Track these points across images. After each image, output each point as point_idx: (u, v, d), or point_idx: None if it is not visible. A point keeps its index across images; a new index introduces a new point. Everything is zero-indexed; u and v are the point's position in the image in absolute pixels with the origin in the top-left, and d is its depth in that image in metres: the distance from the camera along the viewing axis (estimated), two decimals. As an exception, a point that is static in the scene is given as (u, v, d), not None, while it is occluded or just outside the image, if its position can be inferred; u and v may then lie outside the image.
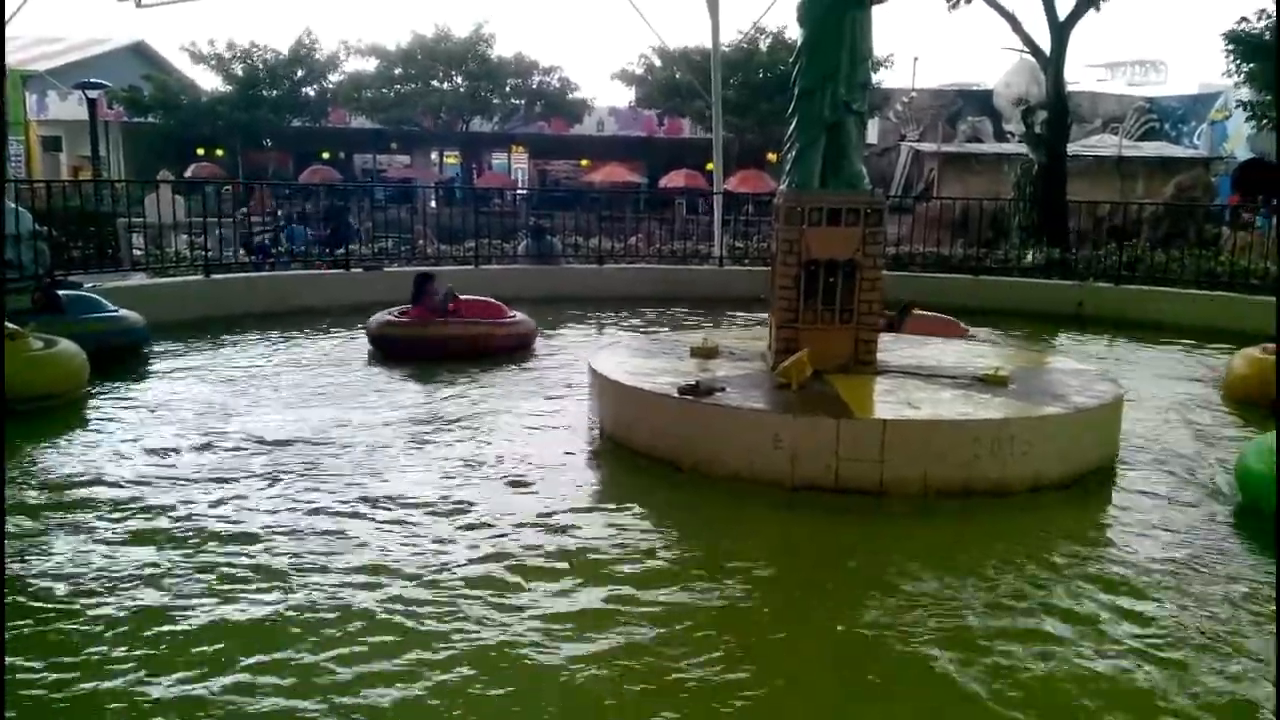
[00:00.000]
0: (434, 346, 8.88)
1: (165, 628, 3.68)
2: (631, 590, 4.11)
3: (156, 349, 9.17)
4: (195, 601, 3.90)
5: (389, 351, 9.02)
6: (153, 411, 6.97)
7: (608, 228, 16.39)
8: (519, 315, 9.66)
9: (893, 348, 7.33)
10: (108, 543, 4.46)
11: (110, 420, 6.71)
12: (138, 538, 4.53)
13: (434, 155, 39.37)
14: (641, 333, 10.86)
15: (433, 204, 23.23)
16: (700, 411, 5.71)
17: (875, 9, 6.52)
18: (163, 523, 4.75)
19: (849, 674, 3.59)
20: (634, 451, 6.04)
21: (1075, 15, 16.76)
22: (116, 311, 8.75)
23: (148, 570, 4.18)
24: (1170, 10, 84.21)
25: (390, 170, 39.18)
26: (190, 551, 4.38)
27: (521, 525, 4.82)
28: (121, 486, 5.26)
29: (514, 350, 9.32)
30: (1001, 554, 4.57)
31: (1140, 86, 37.09)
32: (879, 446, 5.26)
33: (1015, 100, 31.76)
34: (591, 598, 4.04)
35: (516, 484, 5.48)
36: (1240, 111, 23.13)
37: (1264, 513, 5.04)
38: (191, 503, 5.02)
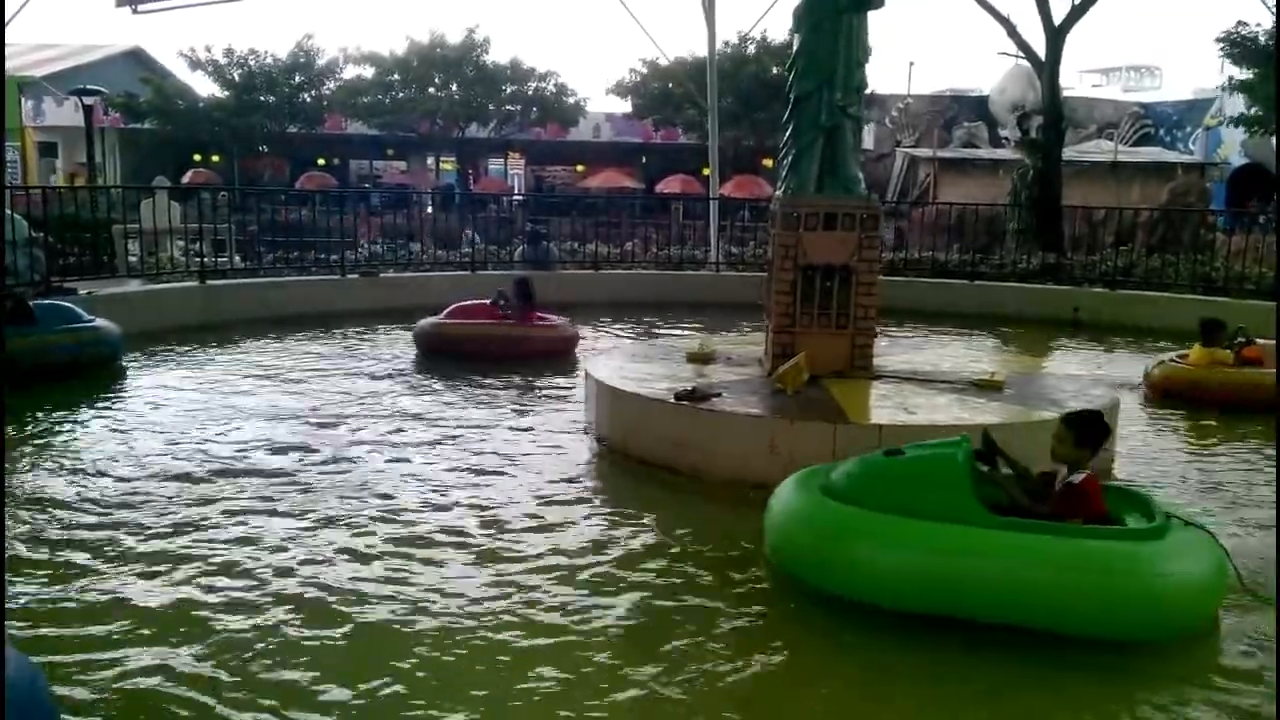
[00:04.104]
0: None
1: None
2: (620, 593, 4.12)
3: (140, 357, 9.06)
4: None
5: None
6: (76, 438, 6.39)
7: (604, 233, 16.39)
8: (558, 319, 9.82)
9: (889, 353, 7.34)
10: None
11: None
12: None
13: (430, 161, 39.38)
14: (638, 338, 10.86)
15: (429, 209, 23.22)
16: (696, 417, 5.71)
17: (870, 14, 6.54)
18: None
19: (841, 677, 3.59)
20: (630, 457, 6.04)
21: (1071, 20, 16.80)
22: (92, 321, 8.43)
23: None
24: (1165, 16, 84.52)
25: (386, 176, 39.19)
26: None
27: (516, 528, 4.83)
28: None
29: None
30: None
31: (1135, 92, 37.19)
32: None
33: (1010, 105, 31.82)
34: (580, 600, 4.04)
35: (510, 489, 5.47)
36: (1231, 118, 23.24)
37: (803, 581, 4.14)
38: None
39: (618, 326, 11.85)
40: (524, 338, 9.24)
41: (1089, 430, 4.02)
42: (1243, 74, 20.79)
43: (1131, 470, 6.12)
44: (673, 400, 5.85)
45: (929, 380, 6.51)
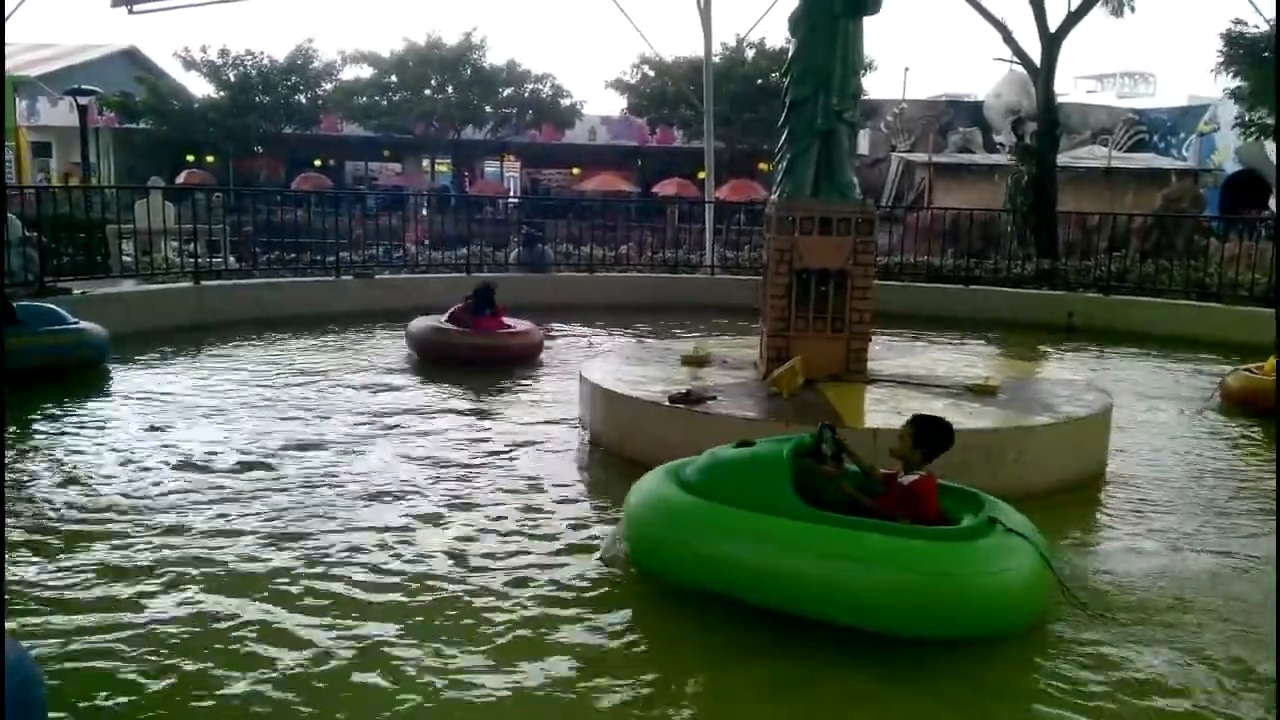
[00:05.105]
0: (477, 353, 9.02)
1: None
2: (612, 595, 4.12)
3: (132, 358, 8.95)
4: None
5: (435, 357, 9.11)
6: (54, 441, 6.25)
7: (599, 236, 16.39)
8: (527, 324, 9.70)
9: (884, 357, 7.35)
10: None
11: None
12: None
13: (426, 163, 39.39)
14: (633, 341, 10.85)
15: (424, 211, 23.21)
16: (691, 419, 5.70)
17: (867, 20, 6.56)
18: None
19: (834, 684, 3.59)
20: (625, 459, 6.03)
21: (1066, 27, 16.84)
22: (77, 324, 8.29)
23: None
24: (1160, 22, 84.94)
25: (382, 177, 39.20)
26: None
27: (509, 529, 4.83)
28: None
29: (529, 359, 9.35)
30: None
31: (1129, 98, 37.35)
32: (870, 455, 5.25)
33: (1005, 111, 31.93)
34: (573, 603, 4.04)
35: (505, 491, 5.46)
36: (1231, 104, 23.25)
37: (655, 571, 4.20)
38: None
39: (613, 329, 11.83)
40: (485, 345, 9.08)
41: (926, 434, 4.07)
42: (1237, 81, 20.90)
43: (1142, 477, 6.07)
44: (667, 403, 5.85)
45: (924, 384, 6.52)
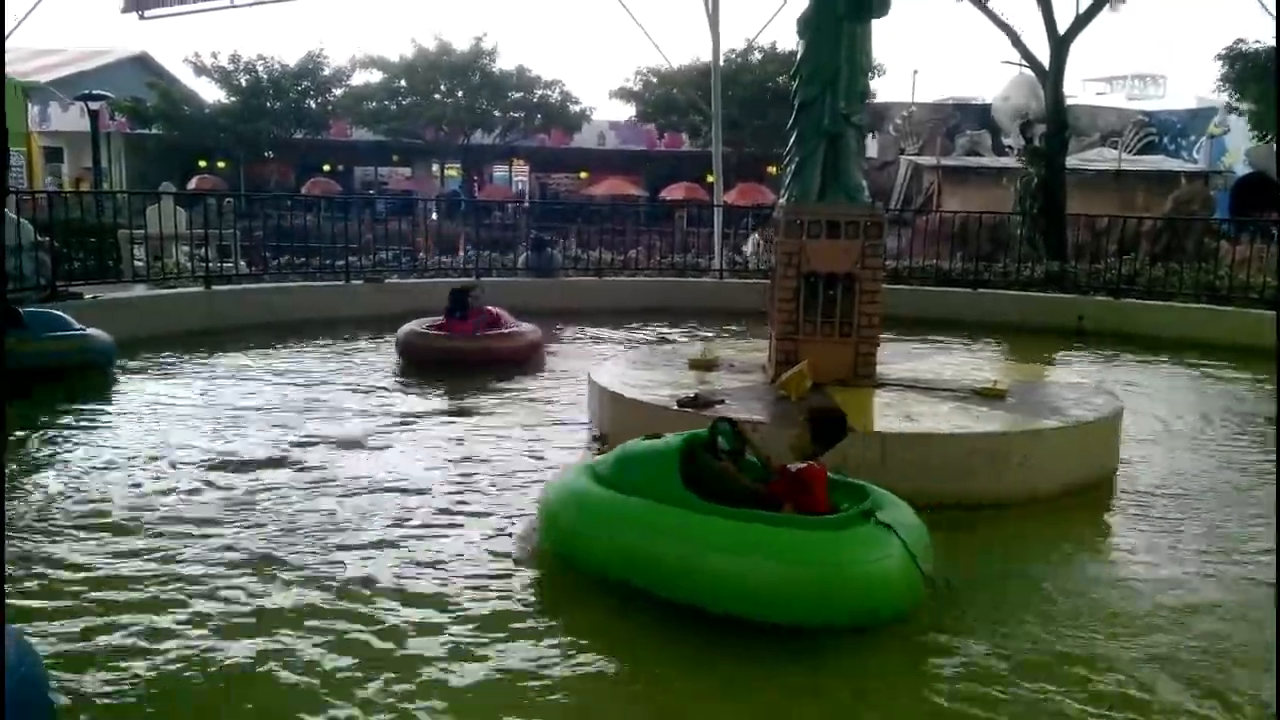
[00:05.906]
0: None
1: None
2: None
3: (141, 363, 8.97)
4: None
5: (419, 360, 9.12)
6: (49, 445, 6.20)
7: (608, 240, 16.41)
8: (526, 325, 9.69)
9: (892, 361, 7.34)
10: None
11: None
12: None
13: (435, 168, 39.48)
14: (641, 344, 10.86)
15: (434, 216, 23.28)
16: (699, 423, 5.69)
17: (875, 22, 6.56)
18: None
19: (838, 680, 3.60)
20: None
21: (1075, 29, 16.80)
22: (82, 330, 8.32)
23: None
24: (1170, 24, 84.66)
25: (392, 182, 39.30)
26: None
27: (515, 533, 4.83)
28: None
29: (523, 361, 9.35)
30: (998, 568, 4.58)
31: (1139, 100, 37.23)
32: (878, 459, 5.26)
33: (1014, 114, 31.83)
34: (575, 605, 4.06)
35: (511, 493, 5.47)
36: (1238, 120, 23.27)
37: (569, 563, 4.30)
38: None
39: (621, 333, 11.84)
40: (464, 348, 9.06)
41: (819, 428, 4.18)
42: (1238, 101, 20.94)
43: (1152, 484, 5.96)
44: (676, 407, 5.86)
45: (932, 388, 6.51)
